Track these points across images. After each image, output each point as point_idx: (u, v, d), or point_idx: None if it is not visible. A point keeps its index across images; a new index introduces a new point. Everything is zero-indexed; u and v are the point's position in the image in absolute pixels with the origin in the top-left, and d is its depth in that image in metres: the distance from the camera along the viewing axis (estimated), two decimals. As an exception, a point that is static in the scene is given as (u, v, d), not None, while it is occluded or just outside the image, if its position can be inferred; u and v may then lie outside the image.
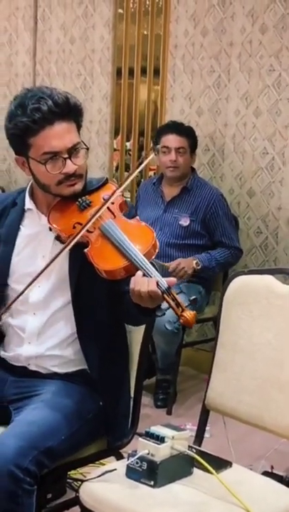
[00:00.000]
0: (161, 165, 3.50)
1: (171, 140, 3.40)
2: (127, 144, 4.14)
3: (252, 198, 3.63)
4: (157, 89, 3.92)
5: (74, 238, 1.79)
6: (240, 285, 1.99)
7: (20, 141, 1.84)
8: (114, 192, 1.84)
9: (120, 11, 4.00)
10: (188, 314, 1.66)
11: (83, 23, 4.14)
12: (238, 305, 1.97)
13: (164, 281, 1.67)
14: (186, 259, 3.30)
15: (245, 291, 1.97)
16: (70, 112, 1.83)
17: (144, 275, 1.69)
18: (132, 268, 1.72)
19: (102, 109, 4.13)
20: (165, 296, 1.67)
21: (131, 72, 4.02)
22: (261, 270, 2.05)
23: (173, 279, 1.69)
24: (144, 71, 3.97)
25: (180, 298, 1.68)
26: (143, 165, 1.94)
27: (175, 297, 1.67)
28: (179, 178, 3.44)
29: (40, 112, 1.78)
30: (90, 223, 1.79)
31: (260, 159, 3.58)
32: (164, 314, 1.75)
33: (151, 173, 4.03)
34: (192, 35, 3.73)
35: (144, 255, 1.73)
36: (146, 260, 1.72)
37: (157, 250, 1.79)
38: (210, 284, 3.49)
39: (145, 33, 3.92)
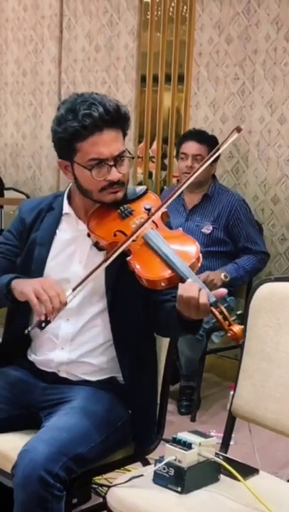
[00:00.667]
0: (179, 171, 3.52)
1: (190, 147, 3.41)
2: (150, 151, 4.16)
3: (276, 204, 3.63)
4: (181, 96, 3.94)
5: (121, 246, 1.78)
6: (266, 292, 1.99)
7: (68, 145, 1.84)
8: (161, 206, 1.84)
9: (144, 18, 4.02)
10: (237, 328, 1.65)
11: (108, 32, 4.17)
12: (265, 312, 1.97)
13: (212, 294, 1.66)
14: (214, 272, 3.29)
15: (272, 299, 1.97)
16: (119, 119, 1.84)
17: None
18: (176, 279, 1.71)
19: (126, 116, 4.15)
20: (212, 309, 1.65)
21: (155, 79, 4.04)
22: (288, 277, 2.05)
23: (223, 291, 1.67)
24: (168, 78, 3.99)
25: (226, 311, 1.66)
26: (191, 179, 1.93)
27: (223, 310, 1.65)
28: (196, 186, 3.44)
29: (92, 117, 1.79)
30: (137, 233, 1.78)
31: (285, 166, 3.57)
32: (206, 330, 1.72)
33: (174, 180, 4.04)
34: (216, 43, 3.74)
35: (190, 266, 1.72)
36: (192, 272, 1.71)
37: (200, 263, 1.77)
38: (235, 290, 3.49)
39: (169, 39, 3.95)
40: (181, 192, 3.45)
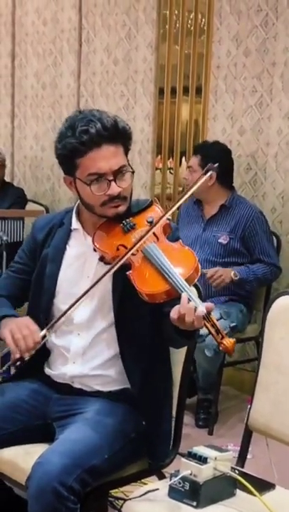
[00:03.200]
0: None
1: (191, 159, 3.55)
2: (168, 163, 4.17)
3: (294, 217, 3.62)
4: (199, 108, 3.95)
5: (118, 262, 1.80)
6: (283, 305, 1.97)
7: (68, 161, 1.88)
8: (159, 220, 1.85)
9: (163, 31, 4.05)
10: (228, 342, 1.66)
11: (126, 45, 4.20)
12: (282, 325, 1.95)
13: (204, 307, 1.66)
14: (225, 268, 3.29)
15: (289, 312, 1.96)
16: (117, 135, 1.86)
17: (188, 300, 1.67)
18: (174, 292, 1.72)
19: (144, 128, 4.18)
20: (205, 322, 1.66)
21: (173, 92, 4.05)
22: (305, 291, 2.03)
23: (211, 305, 1.68)
24: (186, 91, 4.00)
25: (219, 324, 1.68)
26: (188, 194, 1.94)
27: (215, 323, 1.67)
28: (200, 197, 3.46)
29: (89, 134, 1.82)
30: (134, 249, 1.80)
31: (303, 178, 3.57)
32: (204, 341, 1.74)
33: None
34: (234, 56, 3.75)
35: (186, 279, 1.73)
36: (187, 285, 1.71)
37: (199, 274, 1.78)
38: (252, 302, 3.47)
39: (187, 52, 3.96)
40: (201, 203, 3.52)
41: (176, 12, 3.98)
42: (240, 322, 3.37)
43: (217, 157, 3.40)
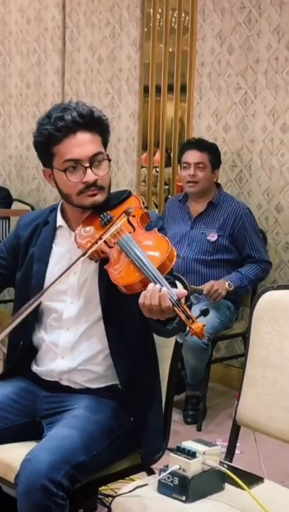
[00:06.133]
0: (182, 180, 3.54)
1: (192, 155, 3.44)
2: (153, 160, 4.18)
3: (280, 213, 3.63)
4: (184, 106, 3.95)
5: (87, 251, 1.80)
6: (269, 300, 1.98)
7: (45, 149, 1.88)
8: (120, 216, 1.83)
9: (147, 29, 4.05)
10: (196, 326, 1.66)
11: (111, 43, 4.20)
12: (268, 320, 1.97)
13: (174, 294, 1.67)
14: (219, 281, 3.30)
15: (275, 307, 1.96)
16: (93, 123, 1.87)
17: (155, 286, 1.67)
18: (148, 281, 1.72)
19: (129, 126, 4.18)
20: (175, 308, 1.67)
21: (158, 89, 4.06)
22: (290, 285, 2.05)
23: (183, 292, 1.69)
24: (170, 89, 4.01)
25: (189, 310, 1.68)
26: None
27: (185, 309, 1.67)
28: (200, 194, 3.46)
29: (64, 120, 1.83)
30: (105, 237, 1.80)
31: (288, 174, 3.58)
32: (174, 326, 1.73)
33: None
34: (218, 53, 3.76)
35: (158, 267, 1.73)
36: (158, 273, 1.71)
37: (174, 262, 1.78)
38: (239, 299, 3.49)
39: (171, 50, 3.97)
40: (187, 200, 3.53)
41: (160, 10, 3.99)
42: (227, 319, 3.39)
43: (218, 154, 3.47)
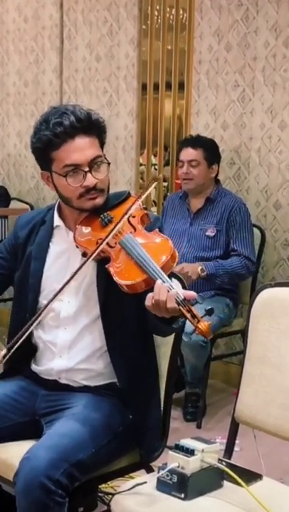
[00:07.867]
0: (179, 178, 3.54)
1: (185, 153, 3.45)
2: (153, 159, 4.18)
3: (278, 210, 3.63)
4: (182, 104, 3.95)
5: (93, 253, 1.82)
6: (267, 298, 1.99)
7: (44, 155, 1.89)
8: (129, 208, 1.85)
9: (144, 27, 4.05)
10: (203, 325, 1.66)
11: (108, 41, 4.20)
12: (266, 318, 1.97)
13: (181, 293, 1.68)
14: (192, 264, 3.27)
15: (273, 304, 1.97)
16: (91, 127, 1.87)
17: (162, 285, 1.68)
18: (151, 281, 1.72)
19: (127, 125, 4.18)
20: (181, 307, 1.67)
21: (156, 87, 4.06)
22: (288, 283, 2.05)
23: (192, 294, 1.69)
24: (168, 86, 4.01)
25: (195, 309, 1.69)
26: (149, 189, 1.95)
27: (190, 309, 1.68)
28: (197, 190, 3.46)
29: (62, 126, 1.83)
30: (108, 238, 1.81)
31: (286, 172, 3.58)
32: (180, 325, 1.74)
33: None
34: (216, 51, 3.76)
35: (162, 267, 1.74)
36: (162, 272, 1.72)
37: (176, 261, 1.79)
38: (237, 296, 3.49)
39: (169, 47, 3.97)
40: (187, 197, 3.53)
41: (158, 8, 3.99)
42: (226, 316, 3.39)
43: (215, 149, 3.46)
